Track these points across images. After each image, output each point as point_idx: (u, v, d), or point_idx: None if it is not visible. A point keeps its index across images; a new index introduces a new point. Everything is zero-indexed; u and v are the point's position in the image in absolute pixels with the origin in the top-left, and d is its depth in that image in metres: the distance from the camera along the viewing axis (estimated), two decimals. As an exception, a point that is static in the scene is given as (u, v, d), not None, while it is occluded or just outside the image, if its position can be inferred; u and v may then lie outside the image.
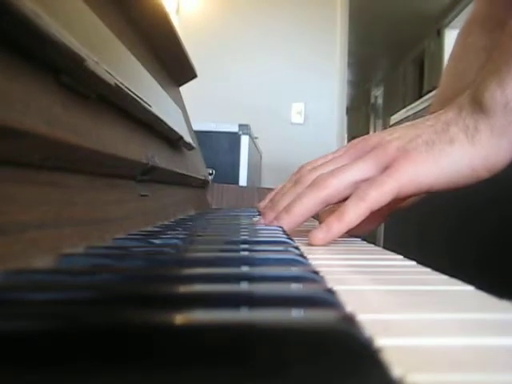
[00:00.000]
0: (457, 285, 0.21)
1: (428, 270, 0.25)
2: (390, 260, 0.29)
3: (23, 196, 0.22)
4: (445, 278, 0.22)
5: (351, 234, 0.41)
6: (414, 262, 0.27)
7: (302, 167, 0.43)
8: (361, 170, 0.38)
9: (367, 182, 0.36)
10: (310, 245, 0.36)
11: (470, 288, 0.20)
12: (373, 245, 0.38)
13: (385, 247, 0.37)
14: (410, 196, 0.37)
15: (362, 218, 0.36)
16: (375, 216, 0.38)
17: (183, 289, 0.16)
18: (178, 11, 2.42)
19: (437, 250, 1.11)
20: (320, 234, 0.36)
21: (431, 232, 1.20)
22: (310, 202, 0.38)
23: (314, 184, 0.38)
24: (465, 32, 0.51)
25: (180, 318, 0.12)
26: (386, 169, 0.36)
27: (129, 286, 0.17)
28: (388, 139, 0.38)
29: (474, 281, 0.21)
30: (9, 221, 0.20)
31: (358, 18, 2.67)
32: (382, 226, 1.80)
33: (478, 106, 0.36)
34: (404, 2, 3.16)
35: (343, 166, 0.39)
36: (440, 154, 0.36)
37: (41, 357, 0.10)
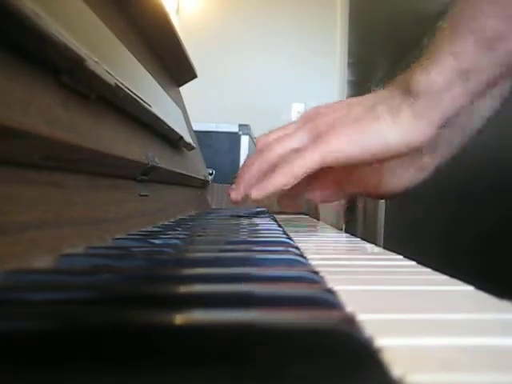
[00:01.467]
0: (457, 285, 0.21)
1: (428, 270, 0.25)
2: (390, 260, 0.29)
3: (23, 196, 0.22)
4: (445, 278, 0.22)
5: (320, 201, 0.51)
6: (413, 262, 0.27)
7: (261, 137, 0.49)
8: (298, 138, 0.44)
9: (296, 150, 0.42)
10: (234, 201, 0.46)
11: (469, 288, 0.20)
12: (373, 245, 0.38)
13: (385, 247, 0.37)
14: (337, 163, 0.41)
15: (290, 182, 0.41)
16: (337, 188, 0.49)
17: (183, 289, 0.16)
18: (177, 11, 2.41)
19: (433, 249, 1.11)
20: (254, 191, 0.42)
21: (428, 231, 1.20)
22: (258, 164, 0.44)
23: (262, 149, 0.45)
24: None
25: (180, 318, 0.12)
26: (313, 140, 0.42)
27: (129, 286, 0.17)
28: (324, 112, 0.44)
29: (471, 279, 0.21)
30: (9, 221, 0.20)
31: (358, 18, 2.66)
32: (382, 226, 1.80)
33: (405, 88, 0.40)
34: (404, 2, 3.16)
35: (287, 134, 0.45)
36: (364, 129, 0.40)
37: (41, 357, 0.10)
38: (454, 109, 0.39)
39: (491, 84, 0.38)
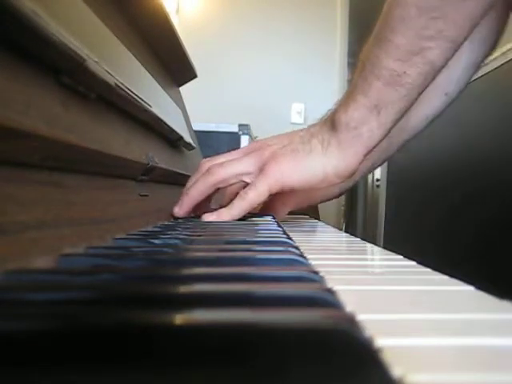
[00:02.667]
0: (457, 285, 0.21)
1: (428, 270, 0.25)
2: (390, 260, 0.29)
3: (23, 196, 0.22)
4: (445, 277, 0.22)
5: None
6: (413, 262, 0.27)
7: (205, 163, 0.54)
8: (243, 165, 0.49)
9: (248, 186, 0.48)
10: (175, 216, 0.50)
11: (470, 288, 0.20)
12: (373, 245, 0.38)
13: (385, 247, 0.37)
14: (281, 191, 0.48)
15: (245, 211, 0.48)
16: (281, 205, 0.58)
17: (183, 289, 0.16)
18: (177, 11, 2.41)
19: (434, 249, 1.11)
20: (210, 217, 0.48)
21: (428, 231, 1.20)
22: (202, 186, 0.49)
23: (206, 172, 0.50)
24: None
25: (180, 318, 0.12)
26: (260, 169, 0.48)
27: (129, 286, 0.17)
28: (269, 144, 0.50)
29: (470, 278, 0.21)
30: (9, 221, 0.20)
31: (358, 18, 2.66)
32: (382, 226, 1.80)
33: (331, 124, 0.46)
34: (404, 2, 3.16)
35: (231, 160, 0.50)
36: (300, 160, 0.46)
37: (41, 357, 0.10)
38: (373, 139, 0.45)
39: (402, 116, 0.45)
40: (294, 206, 0.61)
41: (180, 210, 0.50)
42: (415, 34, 0.40)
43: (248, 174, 0.48)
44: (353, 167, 0.46)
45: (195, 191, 0.49)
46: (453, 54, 0.42)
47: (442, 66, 0.42)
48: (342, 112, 0.45)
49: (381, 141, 0.45)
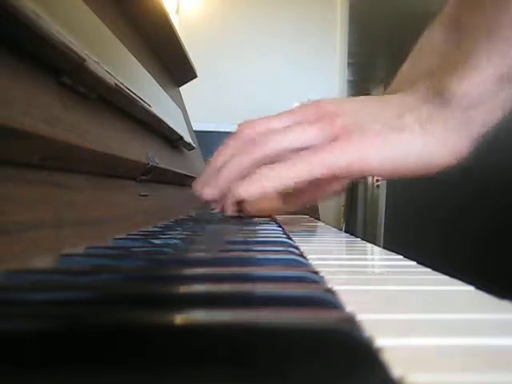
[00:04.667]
0: (457, 285, 0.21)
1: (428, 270, 0.25)
2: (390, 260, 0.29)
3: (23, 196, 0.22)
4: (445, 277, 0.22)
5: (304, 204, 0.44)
6: (413, 262, 0.27)
7: (247, 124, 0.39)
8: (304, 136, 0.35)
9: (310, 150, 0.34)
10: (206, 200, 0.36)
11: (470, 288, 0.20)
12: (373, 245, 0.38)
13: (385, 247, 0.37)
14: (349, 176, 0.36)
15: (283, 186, 0.34)
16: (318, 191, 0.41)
17: (183, 289, 0.16)
18: (177, 11, 2.41)
19: (434, 249, 1.11)
20: (242, 189, 0.34)
21: (428, 231, 1.20)
22: (239, 163, 0.35)
23: (249, 142, 0.36)
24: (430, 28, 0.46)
25: (180, 318, 0.12)
26: (329, 142, 0.34)
27: (129, 286, 0.17)
28: (339, 112, 0.36)
29: (470, 278, 0.21)
30: (9, 221, 0.20)
31: (358, 18, 2.66)
32: (382, 226, 1.80)
33: (438, 98, 0.35)
34: (404, 2, 3.16)
35: (286, 127, 0.36)
36: (387, 141, 0.34)
37: (41, 357, 0.10)
38: (492, 120, 0.35)
39: None
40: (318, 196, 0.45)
41: (212, 190, 0.37)
42: None
43: (313, 147, 0.34)
44: (461, 153, 0.35)
45: (227, 171, 0.35)
46: None
47: None
48: (459, 83, 0.34)
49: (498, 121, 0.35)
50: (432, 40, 0.44)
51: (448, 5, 0.43)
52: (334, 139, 0.34)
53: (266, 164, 0.35)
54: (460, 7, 0.38)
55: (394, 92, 0.38)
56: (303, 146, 0.34)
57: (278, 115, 0.38)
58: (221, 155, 0.38)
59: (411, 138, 0.34)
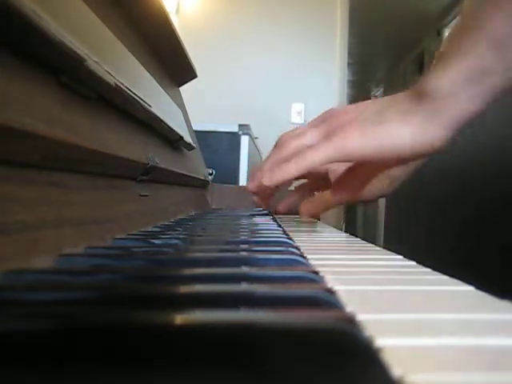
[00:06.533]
0: (457, 285, 0.21)
1: (428, 270, 0.25)
2: (389, 260, 0.29)
3: (23, 196, 0.22)
4: (445, 277, 0.22)
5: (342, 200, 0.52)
6: (413, 262, 0.27)
7: (283, 135, 0.50)
8: (312, 136, 0.45)
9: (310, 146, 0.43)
10: (250, 191, 0.49)
11: (470, 288, 0.20)
12: (373, 245, 0.38)
13: (385, 247, 0.37)
14: (345, 159, 0.43)
15: (300, 171, 0.42)
16: (352, 186, 0.50)
17: (183, 289, 0.16)
18: (177, 11, 2.41)
19: (434, 249, 1.11)
20: (266, 178, 0.44)
21: (428, 231, 1.20)
22: (272, 159, 0.46)
23: (280, 145, 0.46)
24: None
25: (180, 319, 0.12)
26: (326, 138, 0.43)
27: (129, 286, 0.17)
28: (337, 114, 0.45)
29: (470, 278, 0.21)
30: (9, 221, 0.20)
31: (358, 18, 2.66)
32: (382, 226, 1.80)
33: (417, 93, 0.40)
34: (404, 3, 3.16)
35: (301, 132, 0.46)
36: (370, 130, 0.40)
37: (41, 357, 0.10)
38: (468, 111, 0.38)
39: (507, 87, 0.37)
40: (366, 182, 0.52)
41: (252, 183, 0.48)
42: None
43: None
44: (439, 140, 0.39)
45: (267, 163, 0.46)
46: None
47: None
48: (433, 78, 0.39)
49: (472, 117, 0.39)
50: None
51: None
52: (331, 134, 0.43)
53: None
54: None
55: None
56: (310, 143, 0.43)
57: (306, 125, 0.49)
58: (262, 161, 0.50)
59: (386, 128, 0.40)
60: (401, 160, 0.42)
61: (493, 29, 0.36)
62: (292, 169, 0.43)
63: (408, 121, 0.39)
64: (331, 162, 0.43)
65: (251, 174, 0.50)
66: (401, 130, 0.39)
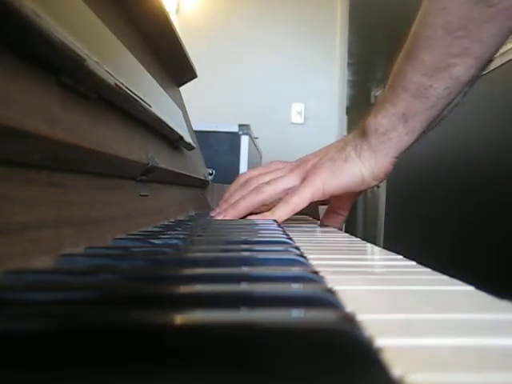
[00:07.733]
0: (457, 285, 0.21)
1: (428, 270, 0.25)
2: (390, 260, 0.29)
3: (23, 196, 0.22)
4: (445, 277, 0.22)
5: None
6: (413, 262, 0.27)
7: (242, 175, 0.59)
8: (288, 181, 0.54)
9: (291, 190, 0.52)
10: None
11: (470, 288, 0.20)
12: (373, 245, 0.38)
13: (385, 247, 0.37)
14: (323, 198, 0.52)
15: (289, 215, 0.52)
16: (335, 215, 0.60)
17: (183, 289, 0.16)
18: (177, 11, 2.41)
19: (434, 249, 1.11)
20: (253, 216, 0.53)
21: (429, 231, 1.20)
22: (250, 202, 0.54)
23: (255, 189, 0.54)
24: None
25: (180, 319, 0.12)
26: (303, 180, 0.52)
27: (129, 286, 0.17)
28: (308, 159, 0.55)
29: (471, 279, 0.21)
30: (9, 221, 0.20)
31: (358, 18, 2.66)
32: (382, 226, 1.80)
33: (362, 130, 0.51)
34: (404, 3, 3.16)
35: (278, 177, 0.55)
36: (338, 167, 0.51)
37: (41, 357, 0.10)
38: (402, 144, 0.49)
39: (432, 122, 0.48)
40: (346, 211, 0.63)
41: (218, 216, 0.54)
42: (442, 51, 0.43)
43: (294, 187, 0.53)
44: (386, 169, 0.50)
45: (243, 206, 0.53)
46: (479, 70, 0.44)
47: (468, 81, 0.45)
48: (372, 119, 0.49)
49: (411, 145, 0.49)
50: None
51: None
52: (306, 176, 0.53)
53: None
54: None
55: None
56: (290, 187, 0.53)
57: (268, 166, 0.60)
58: (226, 194, 0.59)
59: (352, 162, 0.51)
60: (361, 190, 0.53)
61: (408, 83, 0.46)
62: (281, 213, 0.51)
63: (362, 156, 0.50)
64: (310, 202, 0.51)
65: (220, 205, 0.57)
66: (361, 165, 0.50)
